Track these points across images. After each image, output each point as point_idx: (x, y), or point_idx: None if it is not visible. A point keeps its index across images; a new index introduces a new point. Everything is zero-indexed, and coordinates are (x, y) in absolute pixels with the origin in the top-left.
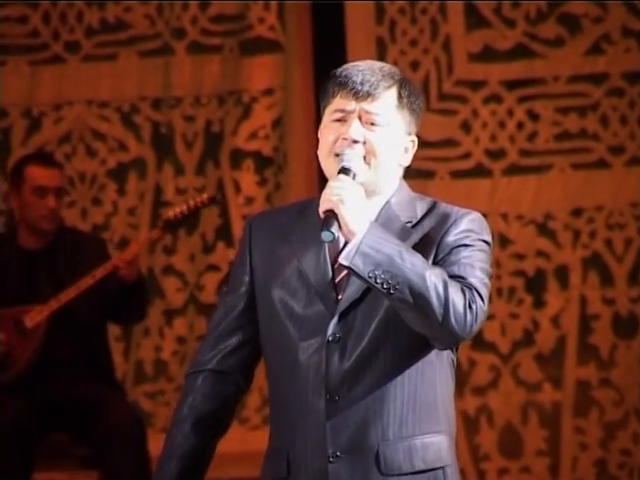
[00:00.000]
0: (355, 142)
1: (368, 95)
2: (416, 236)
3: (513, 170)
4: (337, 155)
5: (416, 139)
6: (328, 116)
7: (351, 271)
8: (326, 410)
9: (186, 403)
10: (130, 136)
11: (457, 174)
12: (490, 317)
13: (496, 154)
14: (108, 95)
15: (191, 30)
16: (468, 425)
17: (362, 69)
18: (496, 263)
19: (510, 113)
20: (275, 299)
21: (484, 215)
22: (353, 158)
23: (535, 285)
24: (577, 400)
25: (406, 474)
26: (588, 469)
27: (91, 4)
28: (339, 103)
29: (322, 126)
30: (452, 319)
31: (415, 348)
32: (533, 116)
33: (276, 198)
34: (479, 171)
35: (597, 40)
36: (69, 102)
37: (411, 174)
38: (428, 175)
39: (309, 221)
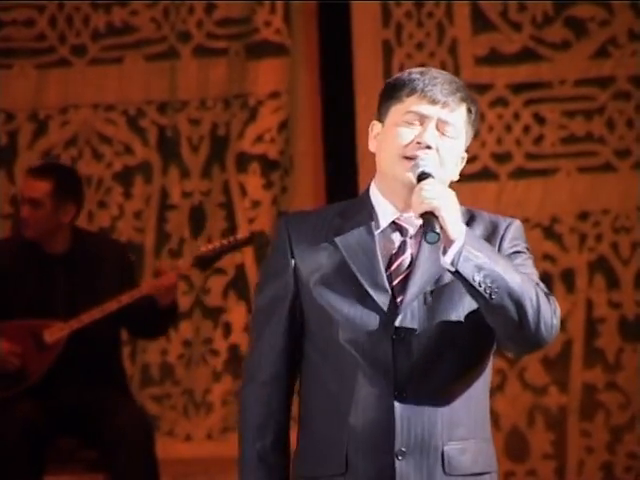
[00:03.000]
0: (428, 148)
1: (446, 105)
2: None
3: (519, 174)
4: (408, 158)
5: (466, 156)
6: (398, 116)
7: (456, 275)
8: (395, 407)
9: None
10: (136, 139)
11: (463, 178)
12: None
13: (502, 157)
14: (114, 98)
15: (197, 33)
16: None
17: (437, 77)
18: None
19: (516, 116)
20: (324, 300)
21: None
22: (430, 164)
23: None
24: (583, 403)
25: (464, 475)
26: (594, 472)
27: (97, 7)
28: (415, 106)
29: (388, 124)
30: (542, 326)
31: (475, 353)
32: (539, 119)
33: (282, 201)
34: (485, 175)
35: (603, 43)
36: (75, 105)
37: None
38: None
39: (354, 223)
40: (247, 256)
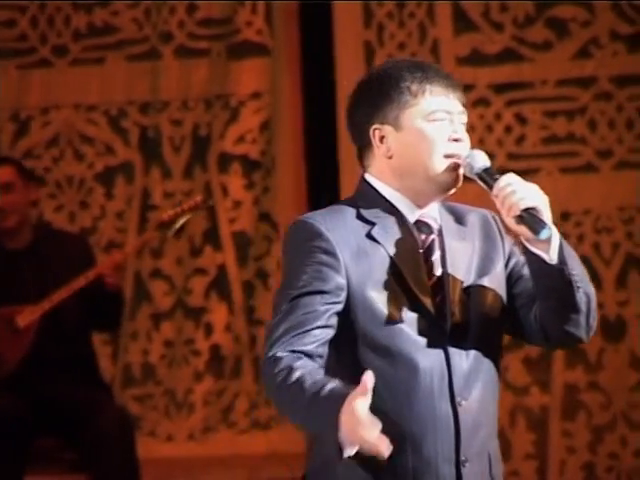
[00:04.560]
0: (463, 143)
1: (457, 97)
2: (471, 235)
3: (501, 174)
4: (448, 156)
5: None
6: (421, 116)
7: (559, 271)
8: (454, 414)
9: (306, 370)
10: (118, 140)
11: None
12: None
13: None
14: (96, 99)
15: (178, 34)
16: None
17: (436, 70)
18: None
19: (498, 117)
20: (377, 303)
21: None
22: (480, 159)
23: None
24: (565, 403)
25: (499, 476)
26: (576, 472)
27: (79, 8)
28: (438, 103)
29: (408, 126)
30: (594, 322)
31: (500, 352)
32: (521, 120)
33: (264, 202)
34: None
35: (585, 44)
36: (57, 106)
37: None
38: None
39: (388, 224)
40: (228, 257)
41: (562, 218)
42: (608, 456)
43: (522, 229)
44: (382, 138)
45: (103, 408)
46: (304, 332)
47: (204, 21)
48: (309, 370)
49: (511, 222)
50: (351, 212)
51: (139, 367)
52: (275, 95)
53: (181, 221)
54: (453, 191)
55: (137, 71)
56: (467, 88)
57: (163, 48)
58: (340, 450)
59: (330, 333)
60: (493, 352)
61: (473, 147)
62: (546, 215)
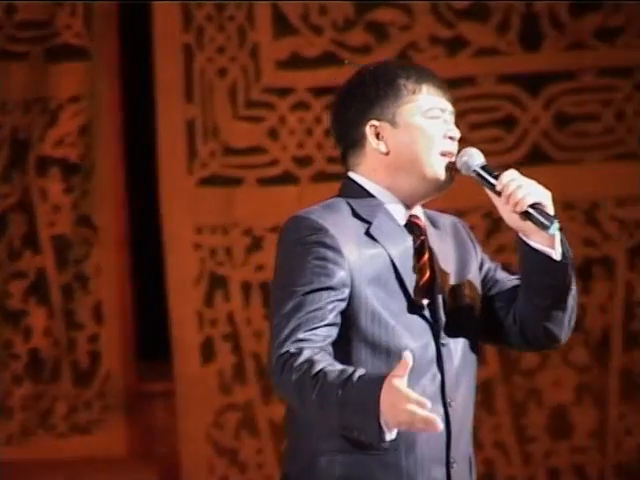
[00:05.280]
0: (455, 142)
1: (448, 95)
2: (447, 239)
3: (320, 177)
4: (444, 154)
5: None
6: (418, 113)
7: (564, 267)
8: (446, 415)
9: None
10: None
11: (264, 181)
12: None
13: (303, 161)
14: None
15: None
16: (276, 433)
17: (424, 67)
18: None
19: (318, 120)
20: (378, 302)
21: None
22: (477, 156)
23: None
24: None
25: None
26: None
27: None
28: (434, 101)
29: (405, 123)
30: (573, 323)
31: (480, 355)
32: None
33: (83, 206)
34: (286, 178)
35: (404, 48)
36: None
37: (218, 181)
38: (235, 182)
39: (383, 223)
40: (48, 260)
41: None
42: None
43: (526, 225)
44: (378, 134)
45: None
46: (314, 328)
47: (23, 24)
48: (331, 361)
49: (512, 218)
50: (346, 209)
51: None
52: (94, 98)
53: None
54: (444, 192)
55: None
56: (286, 92)
57: None
58: (380, 435)
59: (336, 332)
60: (474, 354)
61: (293, 151)
62: (551, 210)
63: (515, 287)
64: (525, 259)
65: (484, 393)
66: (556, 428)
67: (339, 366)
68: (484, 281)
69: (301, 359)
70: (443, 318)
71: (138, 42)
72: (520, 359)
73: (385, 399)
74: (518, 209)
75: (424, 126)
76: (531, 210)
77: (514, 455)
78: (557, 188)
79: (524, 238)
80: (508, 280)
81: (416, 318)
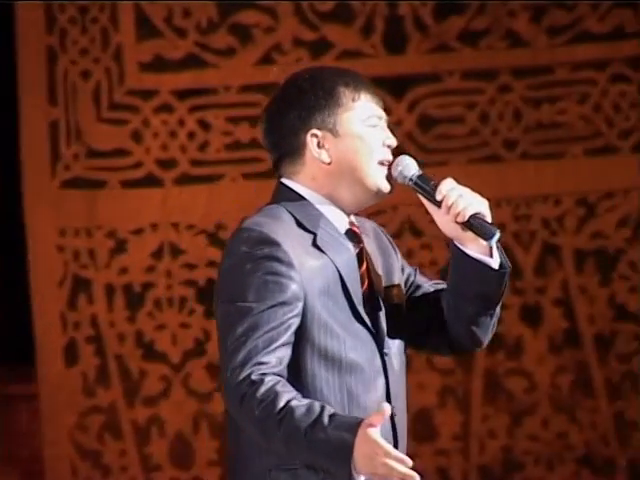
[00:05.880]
0: (390, 150)
1: (382, 103)
2: (373, 245)
3: (184, 180)
4: (381, 163)
5: None
6: (357, 121)
7: (501, 276)
8: (392, 424)
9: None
10: None
11: (128, 184)
12: (161, 327)
13: (167, 164)
14: None
15: None
16: (139, 435)
17: (369, 81)
18: (167, 273)
19: (181, 123)
20: (328, 313)
21: (155, 225)
22: (413, 165)
23: (206, 295)
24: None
25: None
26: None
27: None
28: (372, 109)
29: (346, 132)
30: (494, 328)
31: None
32: (204, 126)
33: None
34: (150, 181)
35: (269, 50)
36: None
37: (81, 184)
38: (99, 185)
39: (325, 233)
40: None
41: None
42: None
43: (462, 234)
44: (319, 143)
45: None
46: (272, 350)
47: None
48: (293, 393)
49: (448, 226)
50: (290, 219)
51: None
52: None
53: None
54: (381, 200)
55: None
56: (150, 94)
57: None
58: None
59: (290, 350)
60: (404, 358)
61: (157, 154)
62: (489, 219)
63: (437, 291)
64: (461, 267)
65: None
66: (420, 431)
67: (304, 401)
68: (406, 285)
69: (263, 389)
70: (384, 327)
71: (1, 43)
72: None
73: (360, 449)
74: (459, 219)
75: (364, 135)
76: (472, 220)
77: None
78: None
79: (460, 247)
80: (428, 284)
81: (361, 329)
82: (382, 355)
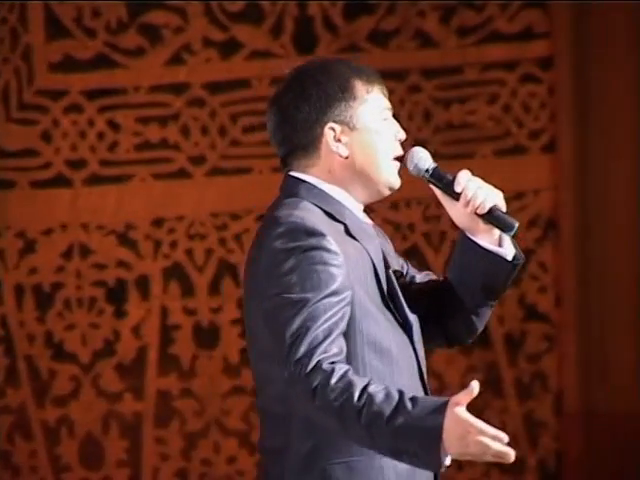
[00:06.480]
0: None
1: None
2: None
3: (94, 180)
4: (396, 159)
5: None
6: (373, 116)
7: (514, 267)
8: None
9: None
10: None
11: (37, 184)
12: (71, 327)
13: (77, 164)
14: None
15: None
16: (49, 436)
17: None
18: (77, 273)
19: (91, 123)
20: (367, 300)
21: (64, 225)
22: (429, 158)
23: (116, 295)
24: (158, 410)
25: None
26: (169, 479)
27: None
28: (383, 101)
29: (363, 127)
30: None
31: None
32: (114, 126)
33: None
34: (59, 181)
35: (178, 50)
36: None
37: None
38: (8, 185)
39: (352, 220)
40: None
41: (155, 224)
42: (201, 463)
43: (475, 225)
44: (335, 137)
45: None
46: (333, 340)
47: None
48: (365, 379)
49: (463, 218)
50: (317, 211)
51: None
52: None
53: None
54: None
55: None
56: (60, 95)
57: None
58: (440, 463)
59: (344, 340)
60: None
61: (66, 154)
62: (505, 210)
63: (430, 282)
64: (472, 258)
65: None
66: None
67: (379, 386)
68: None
69: (335, 378)
70: (409, 316)
71: None
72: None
73: (452, 430)
74: (480, 211)
75: (381, 129)
76: (493, 211)
77: None
78: None
79: (473, 238)
80: (420, 275)
81: (391, 318)
82: (412, 343)
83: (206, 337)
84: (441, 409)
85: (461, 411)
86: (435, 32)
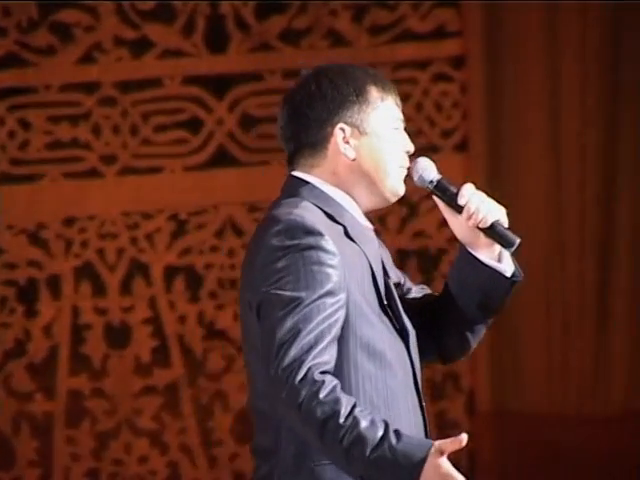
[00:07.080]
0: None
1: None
2: None
3: (4, 179)
4: (402, 167)
5: None
6: (384, 124)
7: (512, 284)
8: (423, 419)
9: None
10: None
11: None
12: None
13: None
14: None
15: None
16: None
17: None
18: None
19: (1, 122)
20: (363, 304)
21: None
22: (434, 169)
23: (27, 295)
24: (69, 410)
25: None
26: (80, 479)
27: None
28: (396, 111)
29: (374, 132)
30: None
31: None
32: (25, 125)
33: None
34: None
35: (89, 49)
36: None
37: None
38: None
39: (352, 223)
40: None
41: (66, 224)
42: (113, 462)
43: (477, 239)
44: (344, 138)
45: None
46: (325, 346)
47: None
48: (355, 401)
49: (464, 232)
50: (318, 211)
51: None
52: None
53: None
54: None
55: None
56: None
57: None
58: None
59: (337, 344)
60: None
61: None
62: (506, 225)
63: (425, 296)
64: (471, 273)
65: (169, 396)
66: (242, 432)
67: (365, 411)
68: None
69: (325, 392)
70: (407, 325)
71: None
72: (205, 362)
73: (429, 477)
74: (482, 225)
75: (390, 138)
76: (495, 227)
77: (200, 458)
78: (243, 189)
79: (473, 252)
80: (416, 288)
81: (388, 322)
82: (409, 350)
83: (117, 337)
84: (424, 452)
85: (443, 461)
86: (347, 31)
